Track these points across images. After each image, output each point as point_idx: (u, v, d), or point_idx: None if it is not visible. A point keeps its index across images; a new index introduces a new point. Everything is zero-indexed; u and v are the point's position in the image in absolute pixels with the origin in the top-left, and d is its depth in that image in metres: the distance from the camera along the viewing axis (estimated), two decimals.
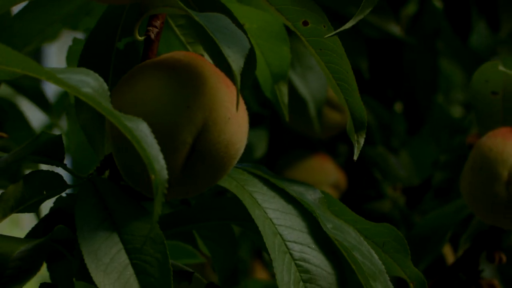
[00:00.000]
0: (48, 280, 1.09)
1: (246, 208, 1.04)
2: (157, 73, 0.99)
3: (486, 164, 1.40)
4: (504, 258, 1.52)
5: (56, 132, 1.89)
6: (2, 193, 0.99)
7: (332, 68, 1.07)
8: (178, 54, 1.03)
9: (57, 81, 0.82)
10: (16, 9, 1.20)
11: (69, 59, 1.40)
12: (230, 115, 0.99)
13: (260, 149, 2.26)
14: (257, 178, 1.09)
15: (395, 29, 2.25)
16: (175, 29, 1.21)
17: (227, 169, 1.01)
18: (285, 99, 1.37)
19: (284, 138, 2.37)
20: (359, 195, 2.41)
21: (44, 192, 1.02)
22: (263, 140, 2.29)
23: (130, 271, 0.91)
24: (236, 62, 0.90)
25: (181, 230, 1.18)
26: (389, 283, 1.05)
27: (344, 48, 1.06)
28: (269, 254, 1.01)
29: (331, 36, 1.05)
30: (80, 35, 1.50)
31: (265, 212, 1.04)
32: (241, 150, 1.02)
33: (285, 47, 1.30)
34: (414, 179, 2.65)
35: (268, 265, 2.48)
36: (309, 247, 1.03)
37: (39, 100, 1.95)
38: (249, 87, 1.26)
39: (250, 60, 1.10)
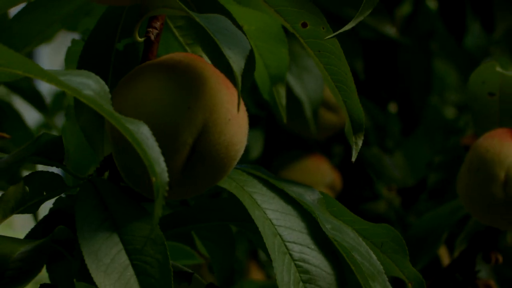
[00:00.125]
0: (47, 281, 1.09)
1: (246, 209, 1.04)
2: (157, 74, 0.99)
3: (483, 165, 1.39)
4: (500, 258, 1.52)
5: (54, 132, 1.89)
6: (3, 195, 0.99)
7: (331, 70, 1.07)
8: (178, 56, 1.03)
9: (59, 84, 0.82)
10: (15, 10, 1.20)
11: (67, 60, 1.40)
12: (230, 116, 0.99)
13: (256, 150, 2.26)
14: (256, 179, 1.09)
15: (391, 31, 2.25)
16: (174, 30, 1.20)
17: (227, 170, 1.02)
18: (283, 101, 1.37)
19: (279, 139, 2.37)
20: (354, 196, 2.41)
21: (44, 193, 1.02)
22: (259, 141, 2.28)
23: (130, 271, 0.91)
24: (237, 63, 0.90)
25: (181, 231, 1.18)
26: (388, 283, 1.06)
27: (342, 50, 1.07)
28: (268, 255, 1.01)
29: (330, 38, 1.05)
30: (76, 36, 1.49)
31: (265, 213, 1.04)
32: (241, 151, 1.02)
33: (284, 49, 1.30)
34: (408, 179, 2.66)
35: (263, 266, 2.48)
36: (308, 247, 1.03)
37: (35, 100, 1.95)
38: (248, 89, 1.26)
39: (250, 61, 1.10)
